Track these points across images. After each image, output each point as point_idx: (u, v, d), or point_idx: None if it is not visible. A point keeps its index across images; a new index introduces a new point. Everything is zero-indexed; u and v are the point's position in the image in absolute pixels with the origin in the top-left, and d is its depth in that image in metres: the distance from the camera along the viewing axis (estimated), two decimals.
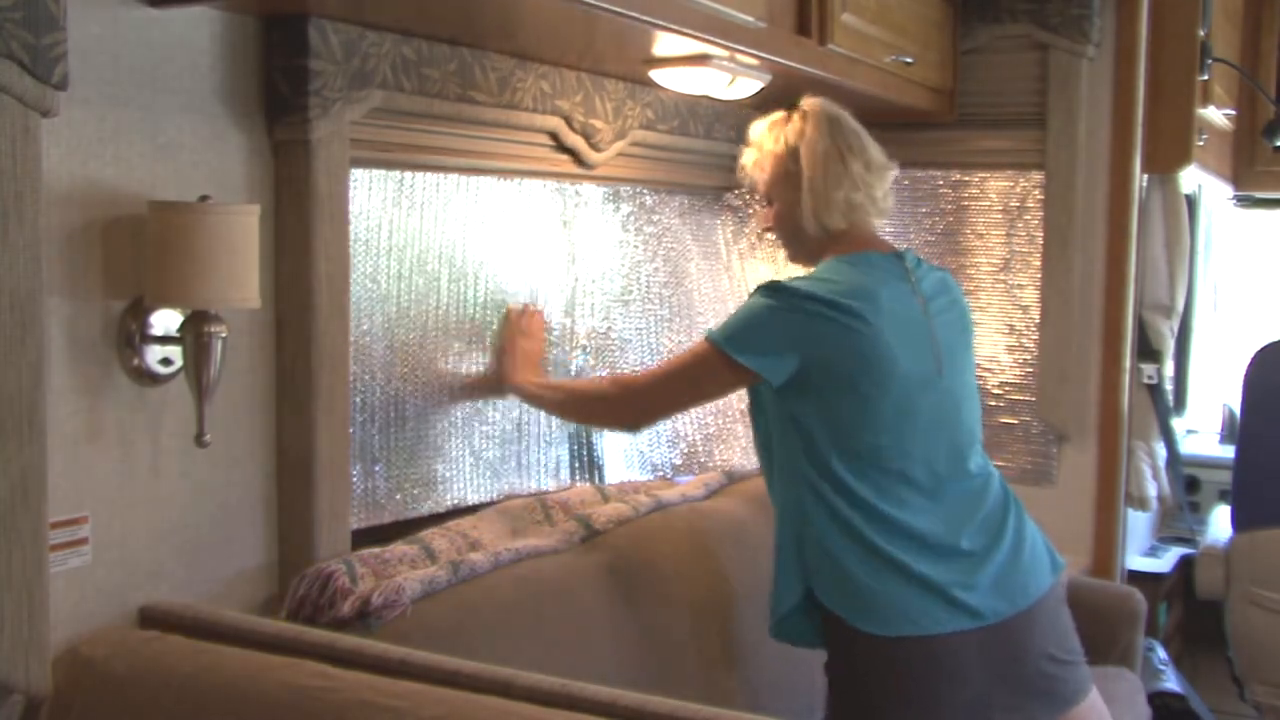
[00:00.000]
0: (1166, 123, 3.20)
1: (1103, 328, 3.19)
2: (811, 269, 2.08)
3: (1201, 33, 3.18)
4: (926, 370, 1.99)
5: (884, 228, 2.18)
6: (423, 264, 2.13)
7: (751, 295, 2.02)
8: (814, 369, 1.94)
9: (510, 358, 2.27)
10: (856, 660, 1.94)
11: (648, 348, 2.74)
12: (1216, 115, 3.74)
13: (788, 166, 2.09)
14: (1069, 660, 2.03)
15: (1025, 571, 1.98)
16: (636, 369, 2.65)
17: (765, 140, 2.15)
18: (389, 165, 2.04)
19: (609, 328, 2.61)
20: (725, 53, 2.18)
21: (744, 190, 3.11)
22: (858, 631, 1.91)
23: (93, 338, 1.64)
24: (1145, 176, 3.25)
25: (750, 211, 3.05)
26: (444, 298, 2.17)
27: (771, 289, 1.98)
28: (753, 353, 1.95)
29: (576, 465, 2.50)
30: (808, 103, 2.12)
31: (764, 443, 2.08)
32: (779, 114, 2.16)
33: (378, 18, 1.88)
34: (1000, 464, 3.26)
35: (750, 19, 2.10)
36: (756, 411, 2.08)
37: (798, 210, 2.07)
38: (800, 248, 2.14)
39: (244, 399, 1.85)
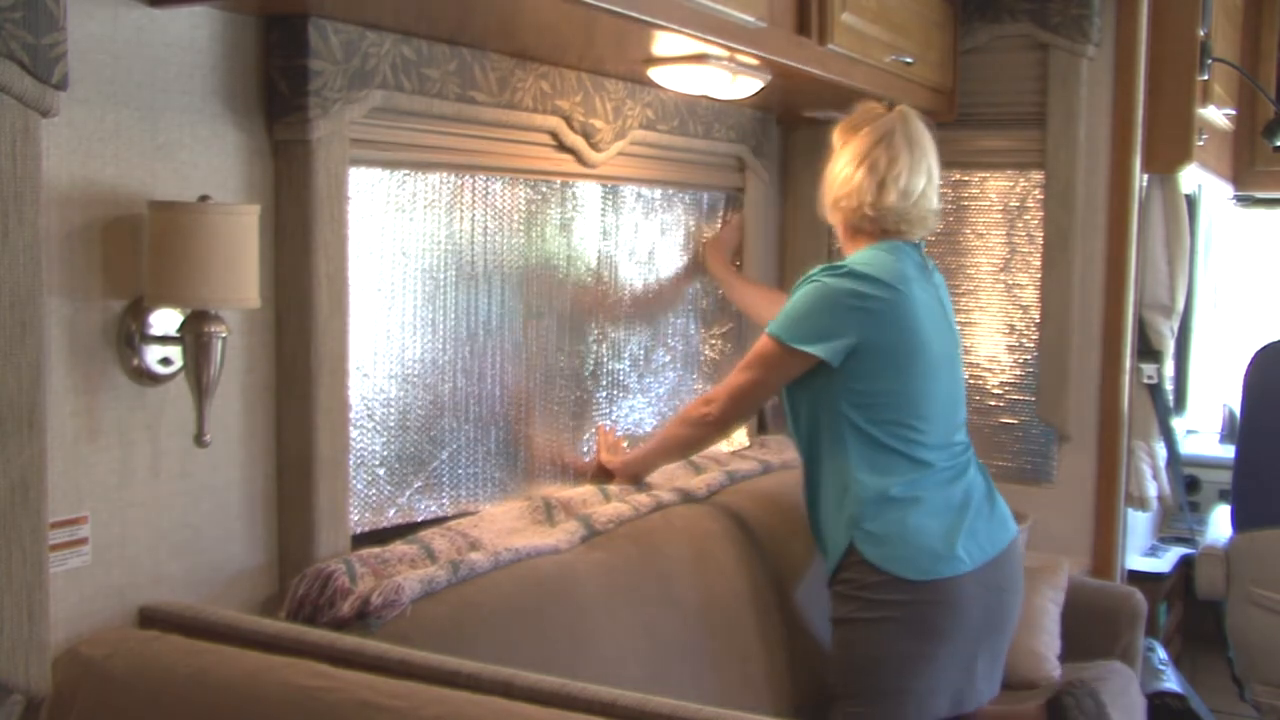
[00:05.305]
0: (1166, 122, 3.19)
1: (1103, 328, 3.19)
2: (849, 254, 2.30)
3: (1201, 32, 3.18)
4: (948, 346, 2.29)
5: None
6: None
7: (799, 286, 2.25)
8: (865, 345, 2.17)
9: (607, 464, 2.59)
10: (882, 603, 2.16)
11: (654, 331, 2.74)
12: (1216, 115, 3.74)
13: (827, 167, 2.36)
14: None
15: (1000, 520, 2.30)
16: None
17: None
18: (389, 165, 2.04)
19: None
20: (725, 52, 2.18)
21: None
22: (890, 576, 2.15)
23: (93, 338, 1.64)
24: (1145, 176, 3.25)
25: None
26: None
27: (820, 278, 2.21)
28: (815, 340, 2.18)
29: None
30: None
31: (806, 427, 2.27)
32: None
33: (378, 18, 1.88)
34: (1000, 464, 3.27)
35: (750, 19, 2.10)
36: (795, 400, 2.29)
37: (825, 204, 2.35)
38: (840, 236, 2.36)
39: (244, 399, 1.85)
